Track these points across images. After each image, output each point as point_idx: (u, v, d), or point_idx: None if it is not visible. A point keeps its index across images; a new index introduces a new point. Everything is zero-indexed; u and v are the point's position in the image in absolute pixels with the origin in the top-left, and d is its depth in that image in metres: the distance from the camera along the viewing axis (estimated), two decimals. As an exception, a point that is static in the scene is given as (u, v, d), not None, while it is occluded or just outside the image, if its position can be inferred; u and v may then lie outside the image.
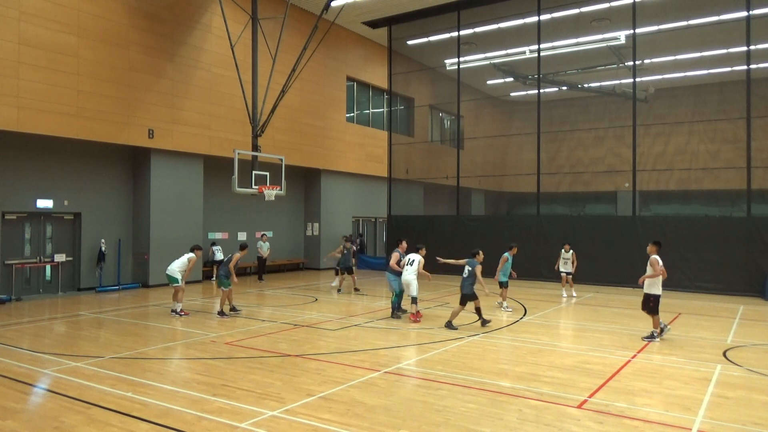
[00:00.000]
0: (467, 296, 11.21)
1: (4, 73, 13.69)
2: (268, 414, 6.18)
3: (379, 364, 8.35)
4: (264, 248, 19.89)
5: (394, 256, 12.56)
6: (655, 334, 10.29)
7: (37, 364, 8.29)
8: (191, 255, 13.02)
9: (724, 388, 7.35)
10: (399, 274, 12.24)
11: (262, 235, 20.30)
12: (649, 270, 10.19)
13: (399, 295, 12.49)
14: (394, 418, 6.06)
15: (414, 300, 12.00)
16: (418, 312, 12.05)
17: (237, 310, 12.93)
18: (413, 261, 11.99)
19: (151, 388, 7.09)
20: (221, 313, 12.47)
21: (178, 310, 12.52)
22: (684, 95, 26.19)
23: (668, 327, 10.57)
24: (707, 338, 10.60)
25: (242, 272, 21.37)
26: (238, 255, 12.99)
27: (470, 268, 11.28)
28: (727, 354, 9.27)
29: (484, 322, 11.43)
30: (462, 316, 12.45)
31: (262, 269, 20.14)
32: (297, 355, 8.88)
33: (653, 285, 10.16)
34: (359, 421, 5.96)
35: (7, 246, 15.15)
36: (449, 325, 11.15)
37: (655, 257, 10.19)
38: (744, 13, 17.70)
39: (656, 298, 10.16)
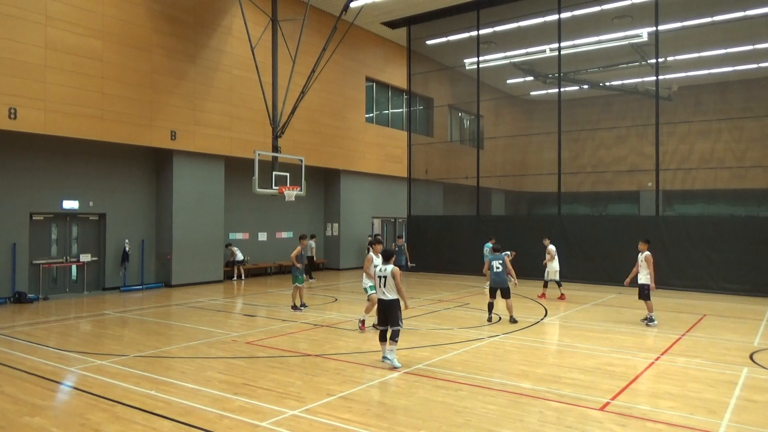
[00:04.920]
0: (509, 289, 11.93)
1: (31, 77, 14.00)
2: (288, 413, 6.22)
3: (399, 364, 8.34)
4: (310, 247, 20.24)
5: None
6: (653, 318, 11.71)
7: (63, 362, 8.46)
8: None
9: (750, 391, 7.20)
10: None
11: (312, 236, 21.04)
12: (644, 266, 11.73)
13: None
14: (414, 419, 6.06)
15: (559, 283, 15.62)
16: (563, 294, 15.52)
17: (305, 306, 13.51)
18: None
19: (174, 387, 7.19)
20: (294, 307, 13.29)
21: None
22: (709, 93, 25.72)
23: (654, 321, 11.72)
24: (733, 340, 10.40)
25: (263, 272, 21.58)
26: (299, 248, 13.45)
27: (501, 262, 11.78)
28: (754, 357, 9.07)
29: (491, 320, 11.97)
30: (482, 318, 12.40)
31: (310, 268, 20.23)
32: (317, 355, 8.92)
33: (647, 275, 11.78)
34: (379, 422, 5.97)
35: (34, 246, 15.49)
36: (514, 319, 11.83)
37: (649, 254, 11.75)
38: (771, 9, 17.34)
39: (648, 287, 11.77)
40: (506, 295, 11.80)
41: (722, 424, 6.01)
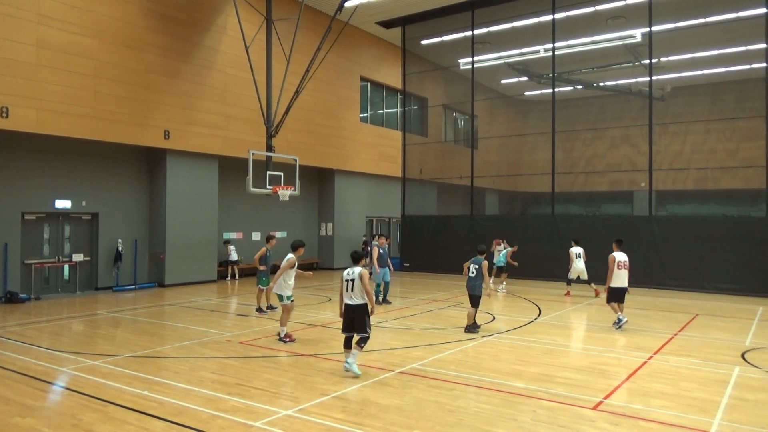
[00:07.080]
0: (479, 297, 10.74)
1: (23, 75, 13.91)
2: (282, 413, 6.21)
3: (393, 364, 8.35)
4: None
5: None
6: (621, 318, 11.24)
7: (55, 363, 8.41)
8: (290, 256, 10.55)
9: (742, 390, 7.24)
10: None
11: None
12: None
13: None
14: (408, 418, 6.06)
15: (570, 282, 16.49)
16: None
17: (272, 309, 13.13)
18: (580, 254, 16.12)
19: (166, 387, 7.16)
20: (259, 309, 13.01)
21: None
22: (702, 93, 25.85)
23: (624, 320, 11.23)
24: (725, 340, 10.46)
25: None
26: (263, 249, 13.38)
27: (477, 266, 10.68)
28: (746, 356, 9.13)
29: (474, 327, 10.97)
30: (477, 318, 12.40)
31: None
32: (311, 355, 8.92)
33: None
34: (372, 421, 5.97)
35: (26, 246, 15.39)
36: (471, 329, 10.76)
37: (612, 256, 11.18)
38: (763, 10, 17.42)
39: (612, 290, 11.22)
40: (474, 303, 10.70)
41: (714, 422, 6.04)
